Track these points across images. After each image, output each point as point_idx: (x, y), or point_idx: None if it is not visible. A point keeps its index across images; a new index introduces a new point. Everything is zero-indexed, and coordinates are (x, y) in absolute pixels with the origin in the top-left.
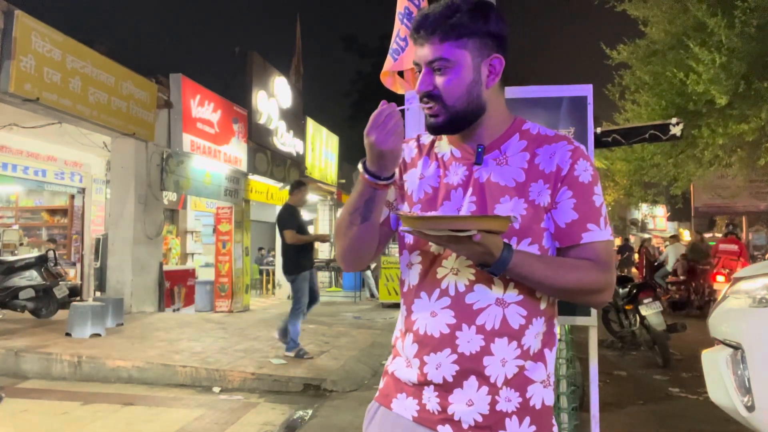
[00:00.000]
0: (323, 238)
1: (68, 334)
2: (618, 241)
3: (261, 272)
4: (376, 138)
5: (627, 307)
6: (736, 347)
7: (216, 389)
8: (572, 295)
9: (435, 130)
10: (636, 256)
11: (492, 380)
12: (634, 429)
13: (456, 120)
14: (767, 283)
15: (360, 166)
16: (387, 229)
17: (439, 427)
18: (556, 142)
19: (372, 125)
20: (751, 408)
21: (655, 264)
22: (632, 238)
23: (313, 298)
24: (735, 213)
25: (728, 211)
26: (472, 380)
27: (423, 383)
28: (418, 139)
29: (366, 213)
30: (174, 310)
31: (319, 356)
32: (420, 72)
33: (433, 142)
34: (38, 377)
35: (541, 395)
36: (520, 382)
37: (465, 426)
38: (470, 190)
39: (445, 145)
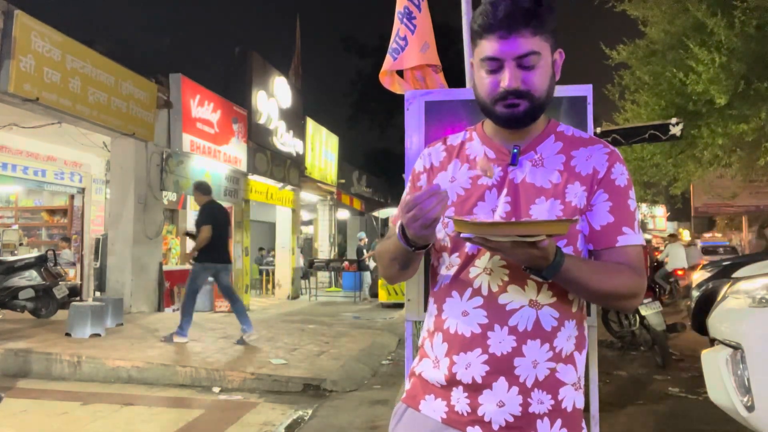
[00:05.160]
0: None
1: (68, 334)
2: None
3: (261, 272)
4: (412, 231)
5: None
6: (736, 347)
7: (216, 389)
8: (611, 299)
9: (510, 120)
10: None
11: (521, 380)
12: (634, 429)
13: (534, 112)
14: (767, 283)
15: (398, 230)
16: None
17: (469, 429)
18: (592, 145)
19: (410, 219)
20: (750, 408)
21: (655, 264)
22: None
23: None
24: (735, 213)
25: (728, 211)
26: (502, 381)
27: (451, 383)
28: (444, 142)
29: (405, 264)
30: (174, 310)
31: (319, 356)
32: (489, 69)
33: (462, 144)
34: (38, 377)
35: (573, 398)
36: (551, 384)
37: (495, 427)
38: (505, 190)
39: (477, 146)
